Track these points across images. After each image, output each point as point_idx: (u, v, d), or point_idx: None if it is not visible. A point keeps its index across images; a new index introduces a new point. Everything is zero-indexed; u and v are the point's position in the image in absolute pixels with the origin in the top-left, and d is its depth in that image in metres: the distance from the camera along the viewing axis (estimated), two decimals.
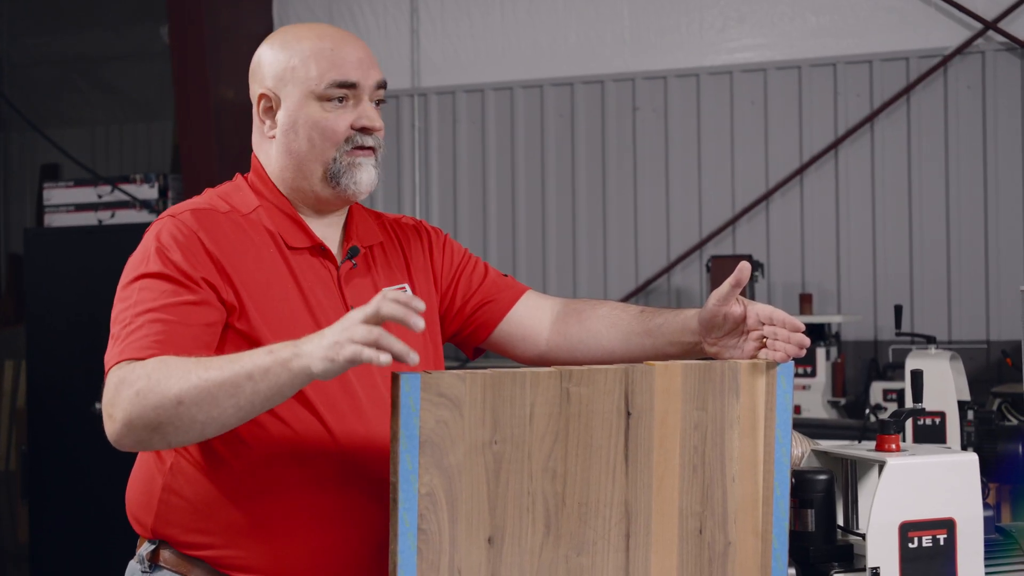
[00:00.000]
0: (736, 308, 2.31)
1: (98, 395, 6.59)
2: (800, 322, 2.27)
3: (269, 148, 2.39)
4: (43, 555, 6.95)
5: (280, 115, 2.35)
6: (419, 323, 1.86)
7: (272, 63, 2.36)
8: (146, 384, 2.03)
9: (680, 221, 7.04)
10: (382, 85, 2.38)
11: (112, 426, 2.07)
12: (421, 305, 1.88)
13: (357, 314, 1.89)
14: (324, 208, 2.40)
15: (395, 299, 1.87)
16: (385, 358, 1.85)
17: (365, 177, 2.36)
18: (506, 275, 2.66)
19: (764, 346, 2.28)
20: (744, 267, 2.25)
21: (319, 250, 2.37)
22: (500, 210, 7.41)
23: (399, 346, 1.85)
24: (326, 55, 2.32)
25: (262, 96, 2.37)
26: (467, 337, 2.61)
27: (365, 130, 2.34)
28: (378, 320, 1.86)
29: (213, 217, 2.30)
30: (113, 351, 2.14)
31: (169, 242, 2.23)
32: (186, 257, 2.22)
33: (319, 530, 2.22)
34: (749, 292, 6.23)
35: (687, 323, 2.41)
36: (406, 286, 2.46)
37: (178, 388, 2.00)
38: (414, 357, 1.86)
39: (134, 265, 2.26)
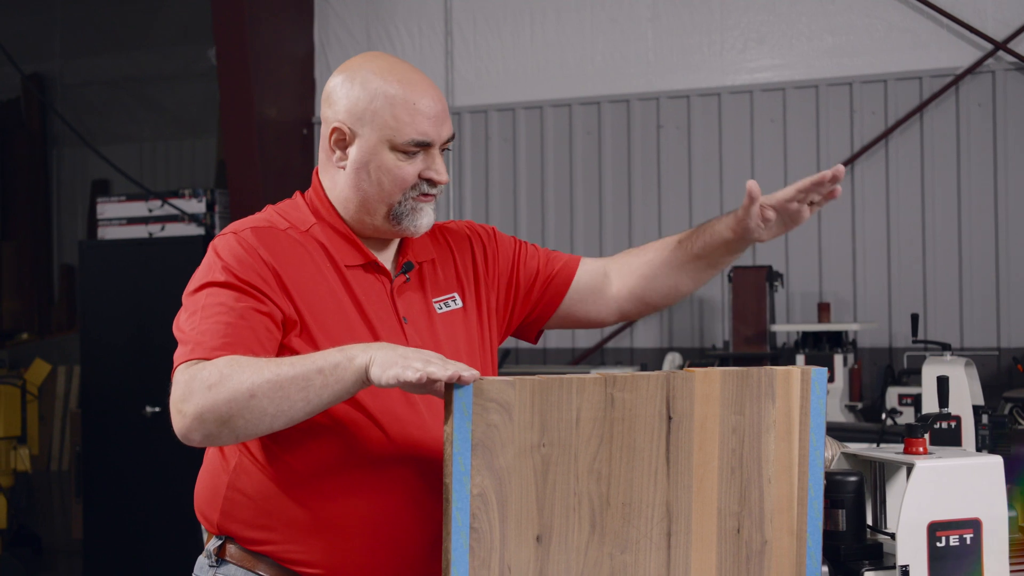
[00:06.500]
0: (767, 213, 2.43)
1: (148, 399, 6.68)
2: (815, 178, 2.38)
3: (336, 175, 2.38)
4: (96, 551, 6.99)
5: (352, 151, 2.33)
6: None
7: (349, 98, 2.32)
8: (219, 379, 2.05)
9: None
10: (451, 138, 2.39)
11: (182, 421, 2.08)
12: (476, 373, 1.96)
13: (434, 356, 1.97)
14: (380, 237, 2.41)
15: (456, 366, 1.95)
16: (438, 386, 1.95)
17: (425, 221, 2.38)
18: (554, 251, 2.68)
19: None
20: (752, 186, 2.40)
21: (372, 266, 2.37)
22: (530, 223, 7.41)
23: (450, 374, 1.93)
24: (409, 108, 2.30)
25: (336, 129, 2.34)
26: (537, 318, 2.63)
27: (431, 181, 2.35)
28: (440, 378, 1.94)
29: (273, 234, 2.31)
30: (182, 351, 2.16)
31: (231, 257, 2.24)
32: (248, 272, 2.23)
33: (376, 529, 2.22)
34: (770, 300, 6.22)
35: (723, 236, 2.51)
36: (455, 295, 2.46)
37: (251, 382, 2.03)
38: (468, 375, 1.93)
39: (199, 276, 2.27)
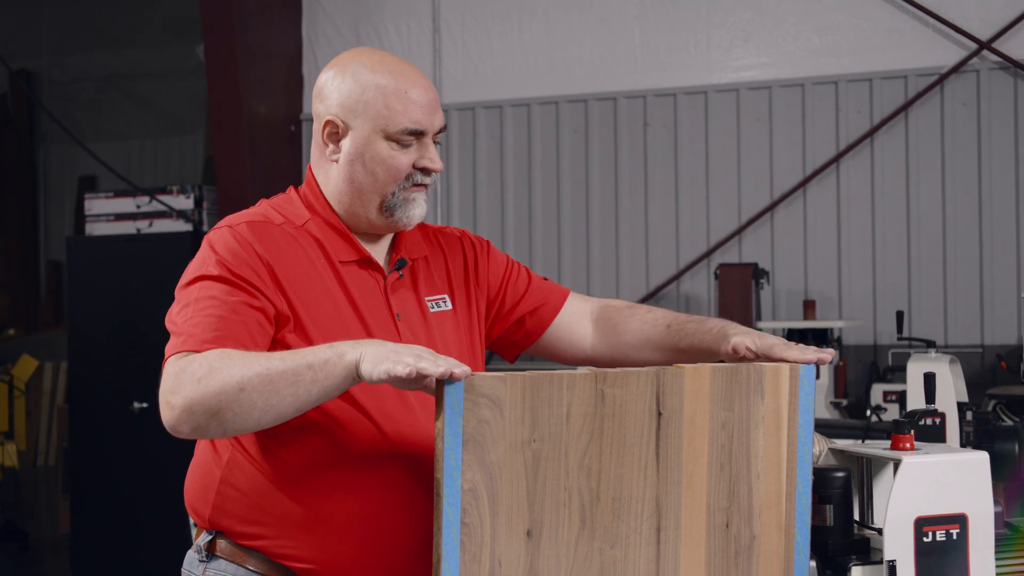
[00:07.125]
0: (748, 356, 2.35)
1: (136, 395, 6.66)
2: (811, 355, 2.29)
3: (329, 169, 2.38)
4: (83, 546, 6.97)
5: (346, 144, 2.33)
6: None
7: (341, 91, 2.32)
8: (208, 372, 2.04)
9: (689, 231, 7.05)
10: (443, 128, 2.39)
11: (170, 413, 2.07)
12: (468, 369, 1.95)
13: (425, 352, 1.96)
14: (373, 231, 2.41)
15: (448, 362, 1.94)
16: (429, 381, 1.94)
17: (417, 212, 2.38)
18: (545, 278, 2.66)
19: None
20: (737, 345, 2.35)
21: (366, 262, 2.37)
22: (517, 220, 7.41)
23: (442, 371, 1.91)
24: (401, 97, 2.30)
25: (328, 122, 2.34)
26: (515, 342, 2.63)
27: (425, 170, 2.35)
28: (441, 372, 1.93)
29: (268, 229, 2.30)
30: (173, 343, 2.15)
31: (225, 251, 2.24)
32: (242, 266, 2.22)
33: (369, 525, 2.21)
34: (755, 297, 6.23)
35: (709, 347, 2.44)
36: (446, 296, 2.46)
37: (241, 375, 2.02)
38: (459, 371, 1.93)
39: (193, 269, 2.26)
